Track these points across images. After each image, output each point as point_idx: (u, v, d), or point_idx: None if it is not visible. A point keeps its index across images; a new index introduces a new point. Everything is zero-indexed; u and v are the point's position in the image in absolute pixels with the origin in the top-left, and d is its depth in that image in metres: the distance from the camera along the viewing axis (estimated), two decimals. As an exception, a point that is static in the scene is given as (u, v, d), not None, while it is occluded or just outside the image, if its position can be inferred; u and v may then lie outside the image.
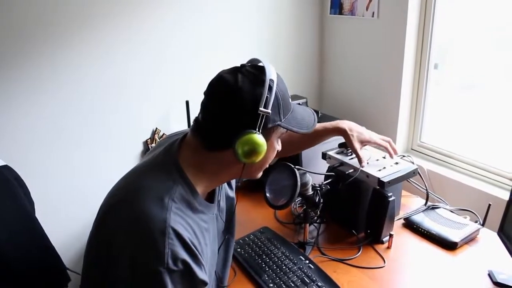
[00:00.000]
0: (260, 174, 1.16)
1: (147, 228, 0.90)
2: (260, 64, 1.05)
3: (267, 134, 1.01)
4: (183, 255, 0.91)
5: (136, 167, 1.11)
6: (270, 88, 0.98)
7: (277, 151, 1.14)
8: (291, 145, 1.50)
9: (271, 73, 1.00)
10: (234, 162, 1.01)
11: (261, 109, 0.96)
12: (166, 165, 1.03)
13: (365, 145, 1.53)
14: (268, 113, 0.97)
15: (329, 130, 1.52)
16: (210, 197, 1.13)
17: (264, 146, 0.98)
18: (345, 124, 1.52)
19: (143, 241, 0.90)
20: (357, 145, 1.48)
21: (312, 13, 2.63)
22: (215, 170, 1.06)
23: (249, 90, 0.97)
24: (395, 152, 1.55)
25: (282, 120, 1.04)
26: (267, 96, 0.97)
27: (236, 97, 0.97)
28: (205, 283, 0.97)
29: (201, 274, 0.95)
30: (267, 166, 1.15)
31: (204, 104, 1.04)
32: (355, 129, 1.50)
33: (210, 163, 1.04)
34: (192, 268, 0.93)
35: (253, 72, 1.01)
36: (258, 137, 0.97)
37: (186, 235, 0.93)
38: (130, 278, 0.90)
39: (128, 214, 0.95)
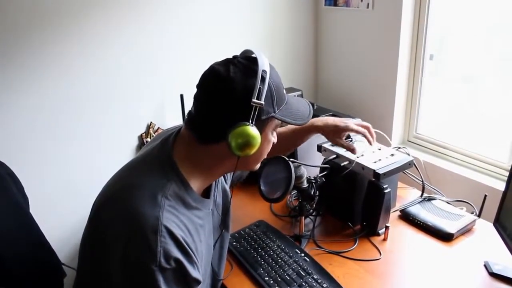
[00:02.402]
0: (257, 166, 1.16)
1: (139, 226, 0.89)
2: (253, 55, 1.03)
3: (261, 126, 1.00)
4: (176, 253, 0.90)
5: (131, 162, 1.10)
6: (263, 79, 0.97)
7: (273, 143, 1.12)
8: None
9: (263, 64, 0.98)
10: (228, 155, 0.99)
11: (254, 100, 0.94)
12: (160, 161, 1.02)
13: (344, 135, 1.49)
14: (261, 104, 0.96)
15: (306, 129, 1.49)
16: (206, 192, 1.12)
17: (258, 138, 0.96)
18: (320, 121, 1.49)
19: (135, 239, 0.89)
20: (337, 139, 1.47)
21: (307, 5, 2.61)
22: (210, 164, 1.05)
23: (241, 81, 0.96)
24: (373, 137, 1.50)
25: (276, 112, 1.02)
26: (260, 87, 0.95)
27: (228, 88, 0.96)
28: (198, 282, 0.97)
29: (194, 273, 0.95)
30: (263, 158, 1.14)
31: (196, 97, 1.03)
32: (331, 123, 1.47)
33: (204, 157, 1.03)
34: (185, 266, 0.92)
35: (245, 63, 0.99)
36: (252, 129, 0.95)
37: (179, 233, 0.93)
38: (123, 276, 0.90)
39: (121, 211, 0.94)
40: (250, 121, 0.95)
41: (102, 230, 0.96)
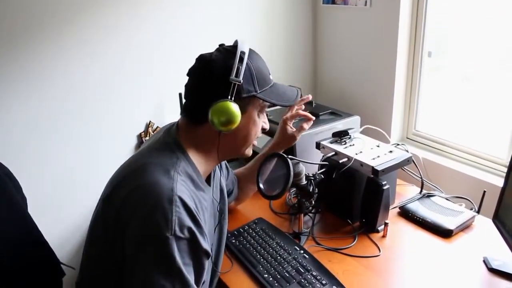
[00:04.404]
0: (249, 152, 1.21)
1: (156, 197, 0.94)
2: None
3: (243, 105, 1.06)
4: (189, 222, 0.95)
5: (139, 151, 1.17)
6: (241, 59, 1.04)
7: (263, 129, 1.19)
8: (242, 191, 1.61)
9: (242, 47, 1.06)
10: (216, 134, 1.07)
11: (232, 77, 1.01)
12: (169, 144, 1.08)
13: (290, 123, 1.55)
14: (239, 81, 1.02)
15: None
16: (207, 182, 1.17)
17: (237, 113, 1.02)
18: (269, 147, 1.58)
19: (151, 209, 0.93)
20: (287, 127, 1.54)
21: (305, 3, 2.61)
22: (205, 145, 1.11)
23: (221, 62, 1.04)
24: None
25: (258, 92, 1.08)
26: (238, 67, 1.02)
27: (208, 69, 1.05)
28: (208, 255, 1.01)
29: (205, 244, 0.99)
30: (253, 142, 1.19)
31: (186, 84, 1.11)
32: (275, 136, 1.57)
33: (200, 139, 1.10)
34: (197, 236, 0.96)
35: (227, 48, 1.08)
36: (230, 104, 1.01)
37: (191, 204, 0.97)
38: (137, 247, 0.93)
39: (136, 185, 0.99)
40: (229, 97, 1.02)
41: (116, 207, 1.00)
